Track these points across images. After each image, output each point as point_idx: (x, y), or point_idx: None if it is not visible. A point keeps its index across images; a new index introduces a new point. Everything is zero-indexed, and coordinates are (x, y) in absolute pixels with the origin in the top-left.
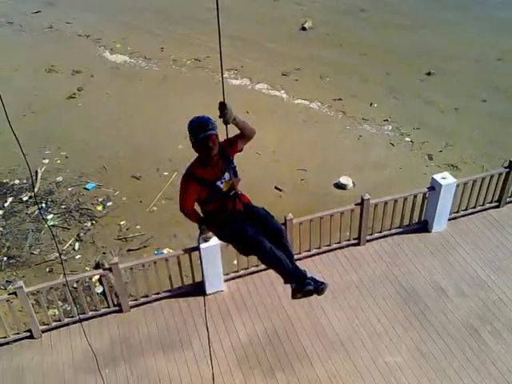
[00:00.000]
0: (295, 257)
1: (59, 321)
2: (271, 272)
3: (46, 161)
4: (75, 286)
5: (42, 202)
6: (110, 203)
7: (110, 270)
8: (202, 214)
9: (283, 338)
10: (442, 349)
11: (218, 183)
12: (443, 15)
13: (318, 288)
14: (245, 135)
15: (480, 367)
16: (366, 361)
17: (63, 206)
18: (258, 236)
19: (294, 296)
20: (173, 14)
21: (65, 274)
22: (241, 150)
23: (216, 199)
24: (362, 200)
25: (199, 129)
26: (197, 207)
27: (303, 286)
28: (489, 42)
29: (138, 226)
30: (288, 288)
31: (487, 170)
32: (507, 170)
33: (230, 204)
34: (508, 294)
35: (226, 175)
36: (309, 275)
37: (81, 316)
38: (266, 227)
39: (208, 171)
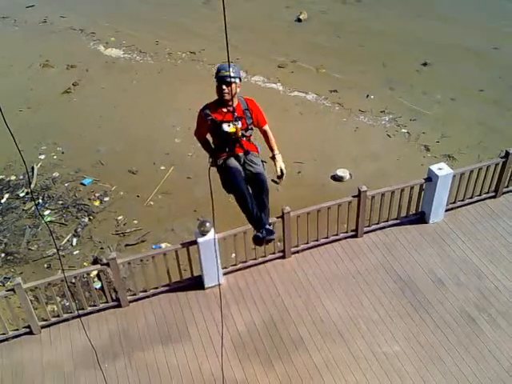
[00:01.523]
0: (293, 249)
1: (58, 316)
2: (269, 265)
3: (42, 156)
4: (73, 281)
5: (38, 198)
6: (106, 198)
7: (108, 265)
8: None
9: (281, 328)
10: (439, 337)
11: (225, 125)
12: (439, 5)
13: (265, 238)
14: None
15: (477, 355)
16: (363, 349)
17: (60, 202)
18: (241, 183)
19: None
20: (167, 7)
21: (63, 269)
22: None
23: (220, 137)
24: (359, 192)
25: (218, 71)
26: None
27: (256, 233)
28: (485, 30)
29: (135, 221)
30: (285, 279)
31: (483, 161)
32: (504, 160)
33: (231, 146)
34: (504, 282)
35: (238, 123)
36: (268, 227)
37: (79, 311)
38: (253, 181)
39: (220, 111)
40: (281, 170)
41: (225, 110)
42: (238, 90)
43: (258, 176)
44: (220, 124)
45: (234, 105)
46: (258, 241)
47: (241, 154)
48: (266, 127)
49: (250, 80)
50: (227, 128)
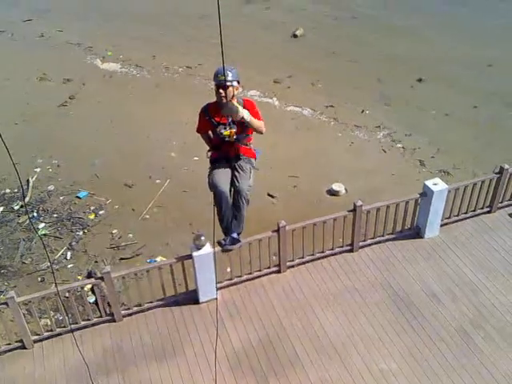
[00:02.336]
0: (288, 264)
1: (51, 331)
2: (264, 279)
3: (38, 169)
4: (67, 295)
5: (33, 211)
6: (102, 212)
7: (102, 279)
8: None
9: (276, 345)
10: (435, 353)
11: (221, 127)
12: (434, 21)
13: (225, 246)
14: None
15: (473, 371)
16: (359, 366)
17: (55, 215)
18: (222, 185)
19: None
20: (164, 22)
21: (56, 283)
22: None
23: (217, 137)
24: (355, 206)
25: (215, 75)
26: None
27: (221, 239)
28: (480, 48)
29: (130, 235)
30: (281, 295)
31: (478, 176)
32: (498, 175)
33: (225, 147)
34: (500, 298)
35: (233, 127)
36: (234, 235)
37: (73, 326)
38: (234, 185)
39: (219, 113)
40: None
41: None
42: (236, 92)
43: (238, 192)
44: (217, 126)
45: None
46: (223, 250)
47: (232, 157)
48: (261, 124)
49: (246, 94)
50: (223, 131)
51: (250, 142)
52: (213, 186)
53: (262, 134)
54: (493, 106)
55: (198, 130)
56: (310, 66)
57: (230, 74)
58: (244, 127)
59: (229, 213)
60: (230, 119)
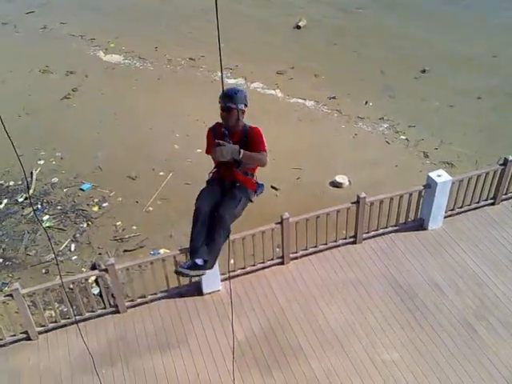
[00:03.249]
0: (292, 256)
1: (56, 322)
2: (268, 271)
3: (41, 162)
4: (71, 287)
5: (37, 204)
6: (105, 204)
7: (106, 270)
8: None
9: (279, 336)
10: (438, 345)
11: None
12: (439, 12)
13: (181, 272)
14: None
15: (476, 362)
16: (362, 357)
17: (59, 207)
18: (202, 204)
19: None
20: (167, 14)
21: (61, 275)
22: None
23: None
24: (358, 198)
25: (222, 97)
26: None
27: (183, 262)
28: (484, 38)
29: (134, 227)
30: (284, 286)
31: (481, 167)
32: (502, 167)
33: (223, 170)
34: (503, 289)
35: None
36: (198, 261)
37: (77, 317)
38: (214, 216)
39: (221, 134)
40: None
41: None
42: (242, 116)
43: (216, 218)
44: (217, 145)
45: (237, 130)
46: (177, 272)
47: (227, 181)
48: (263, 155)
49: (249, 86)
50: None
51: (252, 172)
52: (195, 203)
53: (263, 167)
54: (497, 97)
55: (207, 151)
56: (313, 58)
57: (235, 97)
58: (241, 154)
59: (200, 235)
60: (229, 141)
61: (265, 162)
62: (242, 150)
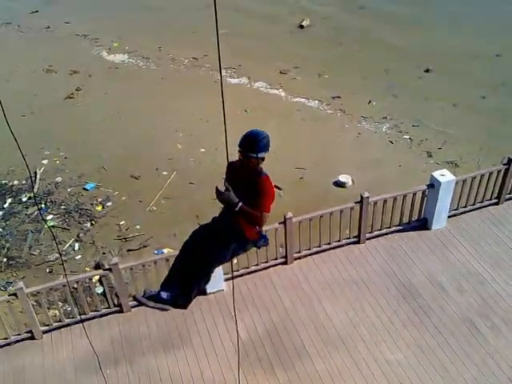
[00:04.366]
0: (295, 255)
1: (60, 321)
2: (271, 270)
3: (45, 161)
4: (75, 286)
5: (41, 203)
6: (109, 203)
7: (110, 270)
8: None
9: (283, 335)
10: (441, 344)
11: (221, 186)
12: (442, 11)
13: (140, 300)
14: None
15: (479, 361)
16: (365, 356)
17: (63, 207)
18: (192, 238)
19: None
20: (169, 13)
21: (65, 274)
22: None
23: None
24: (362, 198)
25: (242, 144)
26: None
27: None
28: (488, 37)
29: (137, 226)
30: (288, 286)
31: (484, 167)
32: (506, 166)
33: (226, 210)
34: (507, 289)
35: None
36: (162, 295)
37: (81, 316)
38: (199, 251)
39: (233, 172)
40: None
41: (238, 174)
42: (260, 164)
43: (199, 258)
44: (225, 183)
45: (251, 172)
46: (134, 298)
47: (224, 223)
48: (262, 215)
49: (252, 86)
50: (220, 187)
51: (257, 222)
52: (186, 240)
53: (259, 226)
54: (501, 96)
55: None
56: (317, 57)
57: (257, 147)
58: (251, 200)
59: (175, 270)
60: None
61: (263, 221)
62: (240, 204)
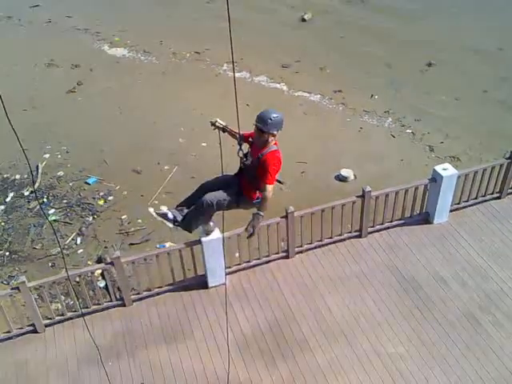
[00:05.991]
0: (297, 249)
1: (62, 315)
2: (273, 264)
3: (47, 156)
4: (78, 280)
5: (43, 197)
6: (111, 197)
7: (112, 264)
8: None
9: (284, 328)
10: (443, 337)
11: (243, 147)
12: (443, 4)
13: (162, 214)
14: None
15: (481, 356)
16: (366, 349)
17: (64, 201)
18: (209, 182)
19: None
20: (171, 6)
21: (67, 268)
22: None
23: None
24: (364, 192)
25: (257, 118)
26: None
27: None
28: (490, 31)
29: (139, 220)
30: (289, 280)
31: (486, 161)
32: (508, 160)
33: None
34: (509, 283)
35: (248, 157)
36: (179, 218)
37: (84, 310)
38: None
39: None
40: (247, 229)
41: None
42: (272, 138)
43: (200, 199)
44: (240, 145)
45: (260, 148)
46: (161, 214)
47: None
48: (265, 188)
49: (253, 80)
50: (240, 152)
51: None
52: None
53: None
54: (503, 90)
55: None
56: (319, 51)
57: (270, 123)
58: (251, 168)
59: (189, 201)
60: (244, 152)
61: (269, 195)
62: (260, 213)
